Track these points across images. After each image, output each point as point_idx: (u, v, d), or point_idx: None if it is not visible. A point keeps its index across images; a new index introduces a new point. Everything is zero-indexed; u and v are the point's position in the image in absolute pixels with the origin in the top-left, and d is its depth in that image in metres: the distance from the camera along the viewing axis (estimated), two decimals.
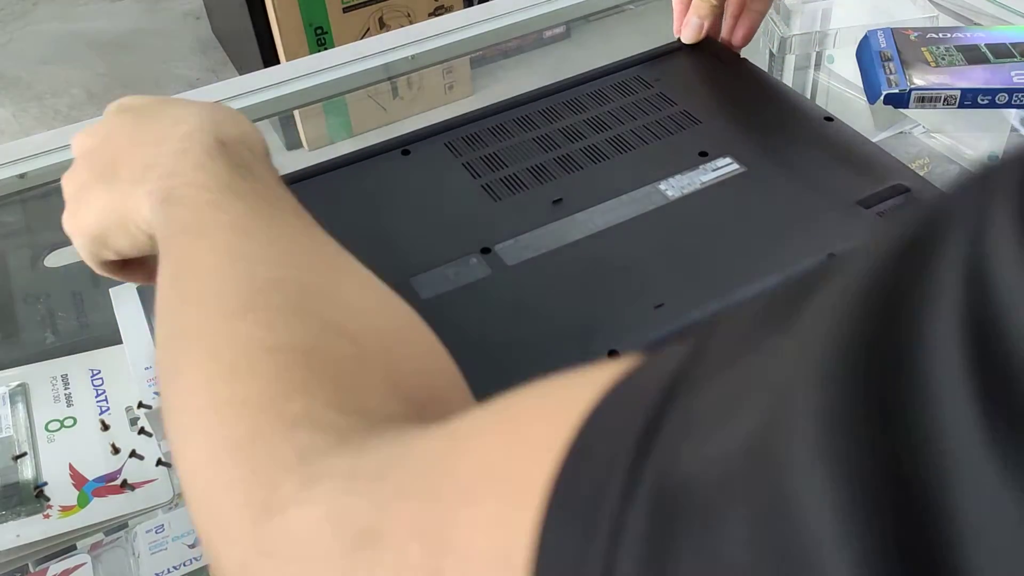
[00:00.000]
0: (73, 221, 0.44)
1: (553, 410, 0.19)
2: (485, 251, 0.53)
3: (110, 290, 0.63)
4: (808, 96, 0.83)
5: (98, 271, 0.47)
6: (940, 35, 0.74)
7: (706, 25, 0.69)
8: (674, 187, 0.57)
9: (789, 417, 0.14)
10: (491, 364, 0.45)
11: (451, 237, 0.55)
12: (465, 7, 1.72)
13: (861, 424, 0.13)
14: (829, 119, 0.62)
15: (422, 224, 0.56)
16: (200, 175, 0.38)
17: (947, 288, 0.13)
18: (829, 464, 0.13)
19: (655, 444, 0.16)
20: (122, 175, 0.42)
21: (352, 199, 0.59)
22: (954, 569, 0.11)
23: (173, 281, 0.36)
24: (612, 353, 0.47)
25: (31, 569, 0.51)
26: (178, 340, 0.33)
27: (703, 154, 0.59)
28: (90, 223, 0.43)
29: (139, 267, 0.47)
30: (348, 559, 0.22)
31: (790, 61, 0.85)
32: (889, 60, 0.72)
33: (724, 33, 0.71)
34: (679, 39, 0.71)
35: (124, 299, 0.62)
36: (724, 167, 0.58)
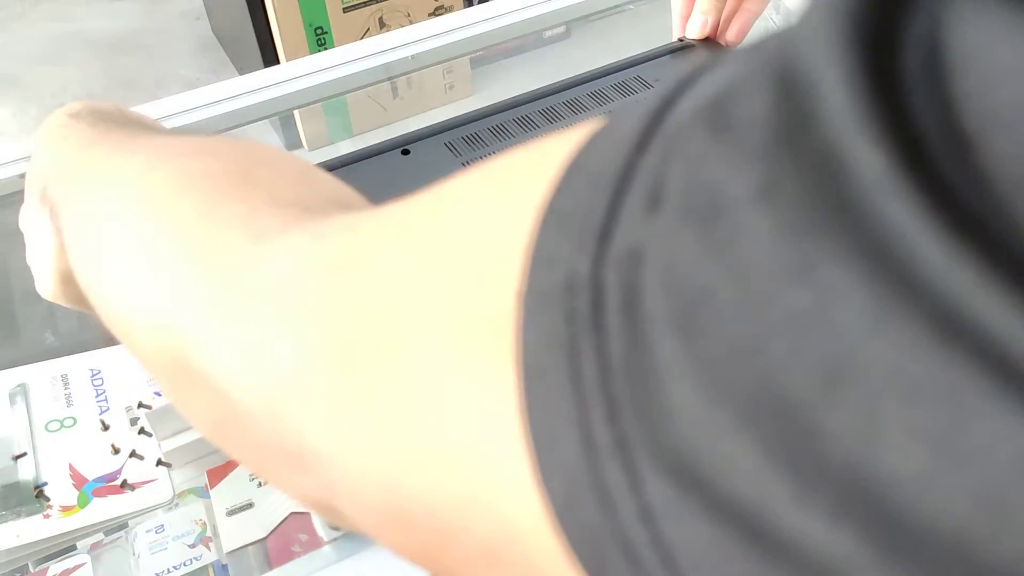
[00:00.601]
0: (42, 288, 0.45)
1: (541, 150, 0.18)
2: None
3: None
4: None
5: (70, 303, 0.47)
6: None
7: (710, 21, 0.70)
8: None
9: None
10: None
11: None
12: (465, 7, 1.72)
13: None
14: None
15: None
16: (62, 146, 0.38)
17: None
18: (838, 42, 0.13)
19: (669, 111, 0.15)
20: (37, 219, 0.42)
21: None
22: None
23: (65, 204, 0.35)
24: None
25: (31, 569, 0.51)
26: (89, 220, 0.33)
27: None
28: (49, 278, 0.43)
29: None
30: (324, 283, 0.21)
31: None
32: None
33: (717, 32, 0.71)
34: (679, 39, 0.71)
35: None
36: None
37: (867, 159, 0.12)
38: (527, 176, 0.18)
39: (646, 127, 0.16)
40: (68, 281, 0.42)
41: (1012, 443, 0.11)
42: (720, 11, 0.70)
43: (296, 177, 0.31)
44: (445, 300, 0.18)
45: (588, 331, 0.15)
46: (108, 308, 0.31)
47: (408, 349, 0.18)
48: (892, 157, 0.12)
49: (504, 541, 0.17)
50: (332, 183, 0.32)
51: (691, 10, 0.71)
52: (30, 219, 0.43)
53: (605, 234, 0.15)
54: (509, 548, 0.17)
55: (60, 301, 0.45)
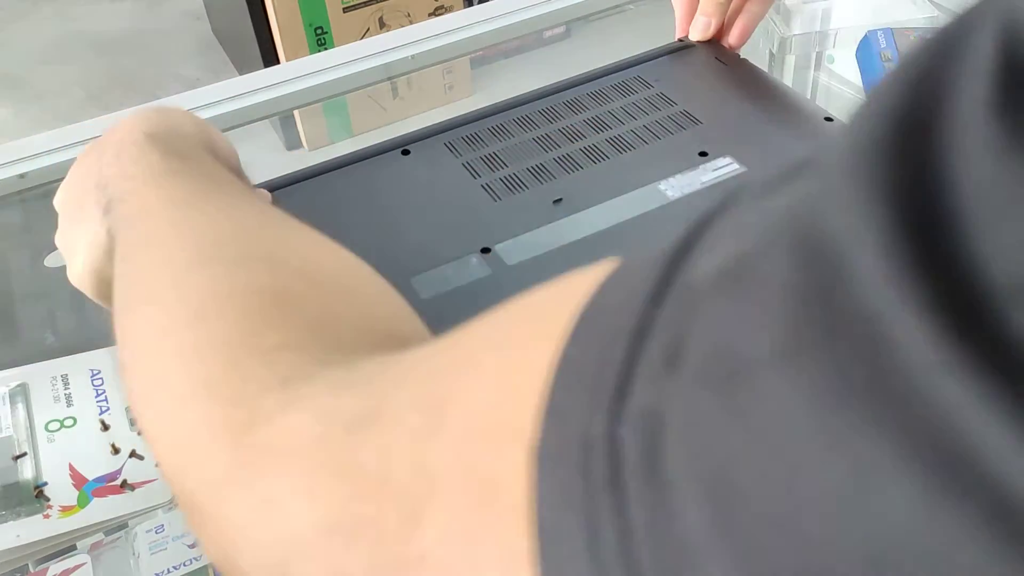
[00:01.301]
0: (73, 275, 0.44)
1: (555, 295, 0.19)
2: (485, 251, 0.54)
3: None
4: (808, 96, 0.83)
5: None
6: None
7: (714, 24, 0.69)
8: (674, 187, 0.57)
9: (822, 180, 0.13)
10: None
11: (451, 237, 0.55)
12: (465, 7, 1.72)
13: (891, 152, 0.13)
14: (829, 119, 0.62)
15: (422, 224, 0.56)
16: (133, 168, 0.38)
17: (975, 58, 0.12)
18: (863, 189, 0.12)
19: (681, 266, 0.15)
20: (85, 207, 0.41)
21: (352, 199, 0.59)
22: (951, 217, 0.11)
23: (123, 262, 0.35)
24: None
25: (31, 569, 0.51)
26: (135, 301, 0.32)
27: (703, 154, 0.59)
28: (85, 267, 0.43)
29: None
30: (340, 444, 0.21)
31: (790, 61, 0.85)
32: (889, 60, 0.72)
33: (720, 34, 0.71)
34: (680, 39, 0.71)
35: None
36: (724, 167, 0.58)
37: (911, 330, 0.11)
38: (541, 325, 0.18)
39: (661, 277, 0.15)
40: (102, 279, 0.43)
41: None
42: (723, 14, 0.69)
43: (338, 300, 0.30)
44: (460, 467, 0.17)
45: (606, 492, 0.14)
46: (132, 395, 0.30)
47: (427, 519, 0.18)
48: (939, 327, 0.11)
49: None
50: (374, 301, 0.32)
51: (693, 10, 0.71)
52: (75, 211, 0.42)
53: (622, 391, 0.15)
54: None
55: (87, 291, 0.45)
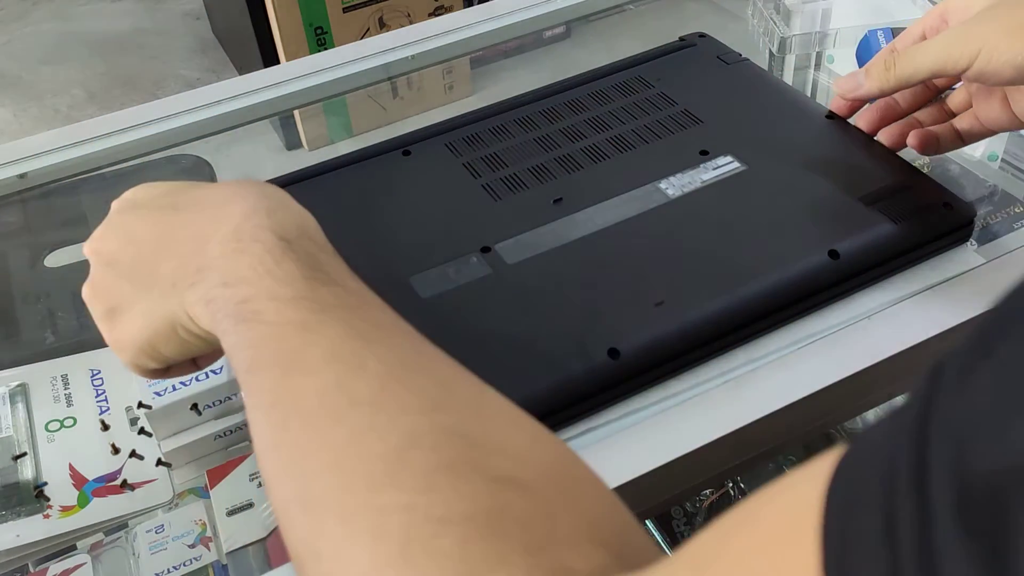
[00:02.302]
0: (115, 335, 0.41)
1: (792, 498, 0.18)
2: (485, 250, 0.53)
3: None
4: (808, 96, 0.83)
5: (142, 375, 0.43)
6: None
7: (862, 93, 0.58)
8: (675, 186, 0.57)
9: None
10: (492, 362, 0.45)
11: (451, 236, 0.55)
12: (465, 7, 1.72)
13: None
14: (831, 116, 0.62)
15: (422, 224, 0.56)
16: (270, 283, 0.33)
17: None
18: None
19: (930, 464, 0.15)
20: (163, 279, 0.38)
21: (353, 199, 0.59)
22: None
23: (278, 429, 0.31)
24: (612, 351, 0.47)
25: (31, 569, 0.51)
26: (316, 515, 0.28)
27: (704, 153, 0.59)
28: (134, 336, 0.39)
29: (187, 365, 0.44)
30: None
31: (790, 61, 0.85)
32: None
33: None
34: (681, 38, 0.71)
35: None
36: (725, 166, 0.58)
37: None
38: (785, 548, 0.18)
39: (917, 488, 0.15)
40: (147, 354, 0.40)
41: None
42: (883, 92, 0.56)
43: (548, 509, 0.27)
44: None
45: None
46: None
47: None
48: None
49: None
50: (581, 494, 0.28)
51: (885, 110, 0.59)
52: (148, 274, 0.38)
53: None
54: None
55: (124, 359, 0.42)
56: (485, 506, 0.26)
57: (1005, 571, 0.14)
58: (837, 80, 0.60)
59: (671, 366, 0.49)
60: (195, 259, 0.36)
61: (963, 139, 0.57)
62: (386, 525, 0.26)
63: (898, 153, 0.59)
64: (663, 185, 0.57)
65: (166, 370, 0.43)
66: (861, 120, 0.60)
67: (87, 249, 0.42)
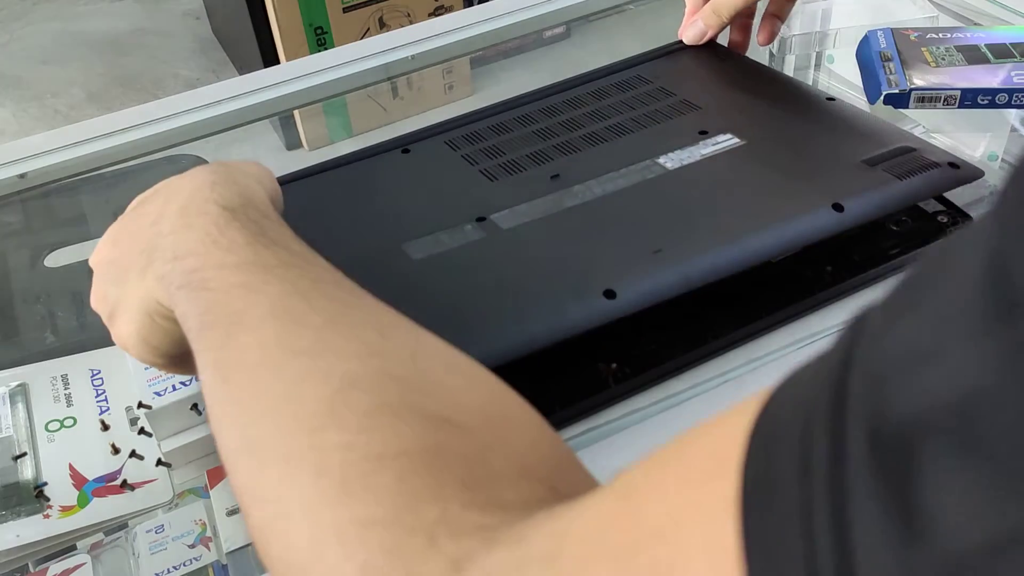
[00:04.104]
0: (118, 337, 0.42)
1: (719, 434, 0.19)
2: (480, 220, 0.53)
3: None
4: None
5: (161, 371, 0.44)
6: (940, 35, 0.73)
7: (709, 34, 0.71)
8: (673, 160, 0.57)
9: None
10: (487, 313, 0.44)
11: (447, 210, 0.54)
12: (465, 7, 1.72)
13: None
14: (832, 99, 0.62)
15: (418, 202, 0.56)
16: (215, 252, 0.35)
17: None
18: None
19: (848, 405, 0.16)
20: (131, 270, 0.39)
21: (352, 191, 0.58)
22: None
23: (223, 383, 0.32)
24: (608, 293, 0.46)
25: (31, 569, 0.51)
26: (257, 459, 0.29)
27: (703, 132, 0.59)
28: (129, 333, 0.40)
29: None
30: None
31: (790, 61, 0.85)
32: (889, 60, 0.72)
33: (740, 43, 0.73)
34: (681, 40, 0.71)
35: None
36: (724, 141, 0.58)
37: None
38: (708, 481, 0.18)
39: (832, 431, 0.16)
40: (149, 345, 0.41)
41: None
42: (720, 27, 0.71)
43: (486, 449, 0.28)
44: None
45: None
46: (275, 564, 0.28)
47: None
48: None
49: None
50: (519, 431, 0.29)
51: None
52: (121, 271, 0.40)
53: (846, 568, 0.15)
54: None
55: (133, 354, 0.42)
56: (422, 444, 0.27)
57: (907, 512, 0.14)
58: (686, 35, 0.71)
59: (669, 352, 0.48)
60: (151, 243, 0.38)
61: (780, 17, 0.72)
62: (326, 463, 0.27)
63: (901, 127, 0.59)
64: (661, 160, 0.57)
65: (181, 362, 0.43)
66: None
67: (91, 261, 0.44)
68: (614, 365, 0.48)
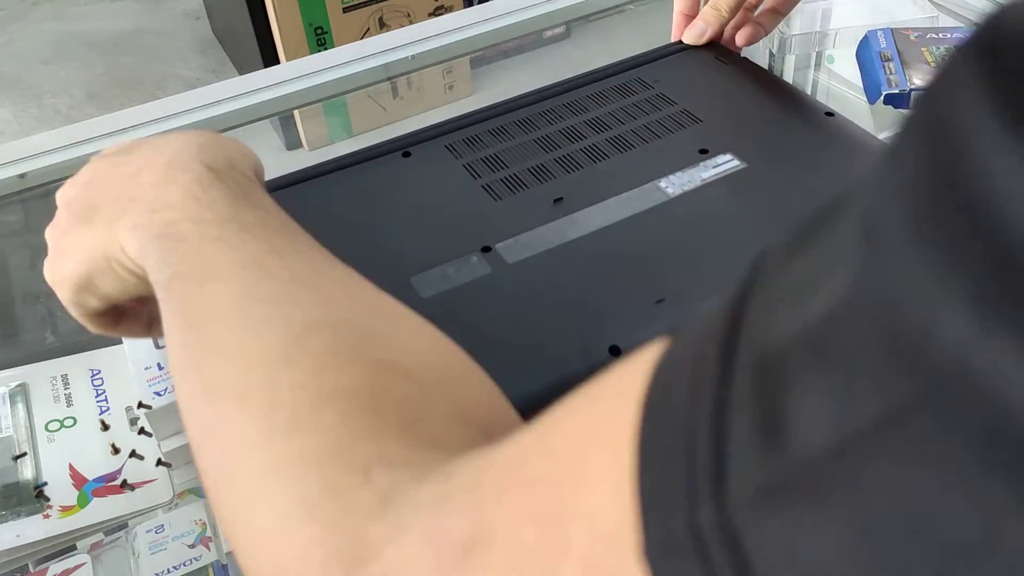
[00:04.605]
0: (54, 270, 0.42)
1: (629, 370, 0.20)
2: (486, 250, 0.54)
3: None
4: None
5: (92, 328, 0.44)
6: (940, 35, 0.74)
7: (709, 33, 0.70)
8: (674, 184, 0.57)
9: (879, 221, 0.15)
10: (493, 360, 0.44)
11: (451, 236, 0.55)
12: (465, 7, 1.72)
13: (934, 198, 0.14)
14: (830, 114, 0.62)
15: (422, 224, 0.56)
16: (195, 207, 0.36)
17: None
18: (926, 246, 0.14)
19: (740, 336, 0.17)
20: (102, 213, 0.39)
21: (353, 200, 0.59)
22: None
23: (187, 329, 0.33)
24: (613, 349, 0.47)
25: (31, 569, 0.51)
26: (212, 398, 0.30)
27: (703, 151, 0.59)
28: (72, 269, 0.41)
29: (134, 318, 0.45)
30: (460, 571, 0.21)
31: (790, 61, 0.85)
32: (889, 60, 0.72)
33: (722, 39, 0.71)
34: (677, 41, 0.71)
35: None
36: (725, 164, 0.58)
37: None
38: (615, 413, 0.19)
39: (722, 356, 0.17)
40: (84, 289, 0.41)
41: None
42: (722, 24, 0.70)
43: (426, 391, 0.30)
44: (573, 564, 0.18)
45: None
46: (220, 500, 0.29)
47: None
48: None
49: None
50: (462, 382, 0.31)
51: (691, 15, 0.71)
52: (87, 209, 0.40)
53: (719, 475, 0.16)
54: None
55: (62, 295, 0.43)
56: (368, 385, 0.29)
57: (774, 424, 0.15)
58: (687, 35, 0.71)
59: None
60: (129, 191, 0.38)
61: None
62: (277, 400, 0.28)
63: None
64: (663, 184, 0.57)
65: (115, 321, 0.44)
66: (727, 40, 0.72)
67: (58, 194, 0.44)
68: None
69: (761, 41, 0.83)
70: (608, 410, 0.20)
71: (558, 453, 0.21)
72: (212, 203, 0.36)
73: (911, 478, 0.13)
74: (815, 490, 0.15)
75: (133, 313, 0.45)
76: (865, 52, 0.74)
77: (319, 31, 1.88)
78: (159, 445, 0.55)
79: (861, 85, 0.74)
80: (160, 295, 0.35)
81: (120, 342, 0.61)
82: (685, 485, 0.16)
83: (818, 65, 0.85)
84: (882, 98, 0.69)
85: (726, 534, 0.15)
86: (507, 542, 0.21)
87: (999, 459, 0.12)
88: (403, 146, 0.62)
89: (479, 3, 0.92)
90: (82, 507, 0.52)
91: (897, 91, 0.69)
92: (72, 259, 0.41)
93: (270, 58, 1.91)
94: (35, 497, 0.53)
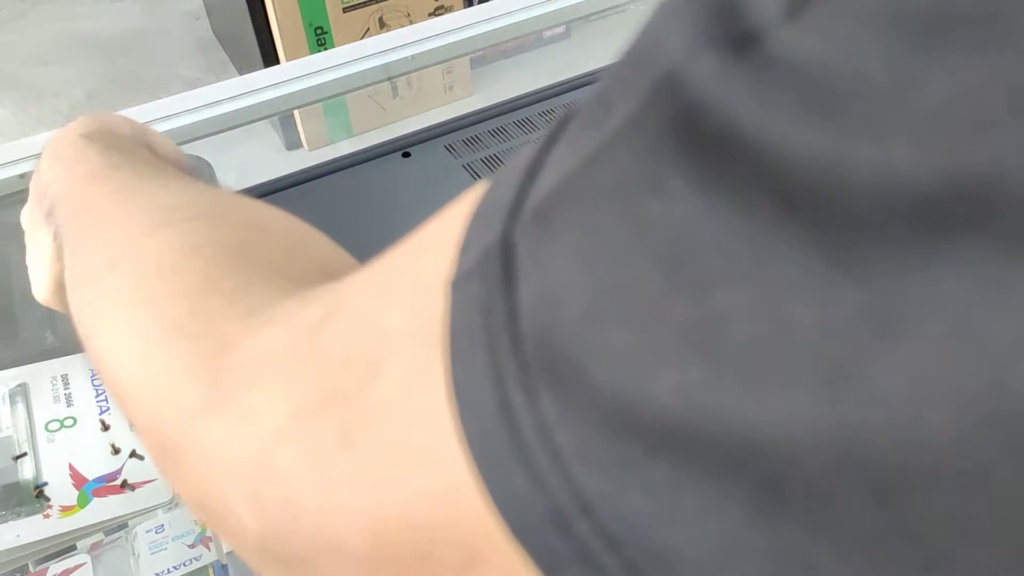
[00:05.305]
0: (35, 290, 0.45)
1: (449, 214, 0.21)
2: None
3: None
4: None
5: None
6: None
7: None
8: None
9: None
10: None
11: None
12: (465, 7, 1.72)
13: None
14: None
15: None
16: (72, 169, 0.39)
17: None
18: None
19: (530, 189, 0.18)
20: (35, 220, 0.42)
21: (352, 201, 0.59)
22: None
23: (71, 255, 0.35)
24: None
25: (31, 569, 0.51)
26: (92, 279, 0.33)
27: None
28: (42, 280, 0.44)
29: None
30: (308, 340, 0.23)
31: None
32: None
33: None
34: None
35: None
36: None
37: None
38: (447, 228, 0.20)
39: (513, 204, 0.18)
40: (63, 289, 0.42)
41: None
42: None
43: (291, 248, 0.32)
44: (413, 321, 0.20)
45: (499, 286, 0.17)
46: (100, 365, 0.31)
47: (384, 373, 0.20)
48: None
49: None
50: (324, 248, 0.33)
51: None
52: (33, 226, 0.43)
53: (515, 209, 0.17)
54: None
55: (54, 306, 0.45)
56: (235, 239, 0.31)
57: (537, 170, 0.17)
58: None
59: None
60: (40, 192, 0.42)
61: None
62: (147, 256, 0.30)
63: None
64: None
65: None
66: None
67: (21, 219, 0.47)
68: None
69: None
70: (434, 248, 0.21)
71: (400, 258, 0.23)
72: (86, 160, 0.39)
73: (632, 203, 0.15)
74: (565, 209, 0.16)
75: None
76: None
77: (319, 31, 1.88)
78: None
79: None
80: (67, 262, 0.37)
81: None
82: (491, 220, 0.18)
83: None
84: None
85: (506, 246, 0.17)
86: (351, 312, 0.22)
87: (711, 172, 0.14)
88: (403, 146, 0.62)
89: (479, 3, 0.92)
90: (82, 507, 0.52)
91: None
92: (39, 274, 0.44)
93: (270, 58, 1.91)
94: (35, 497, 0.53)
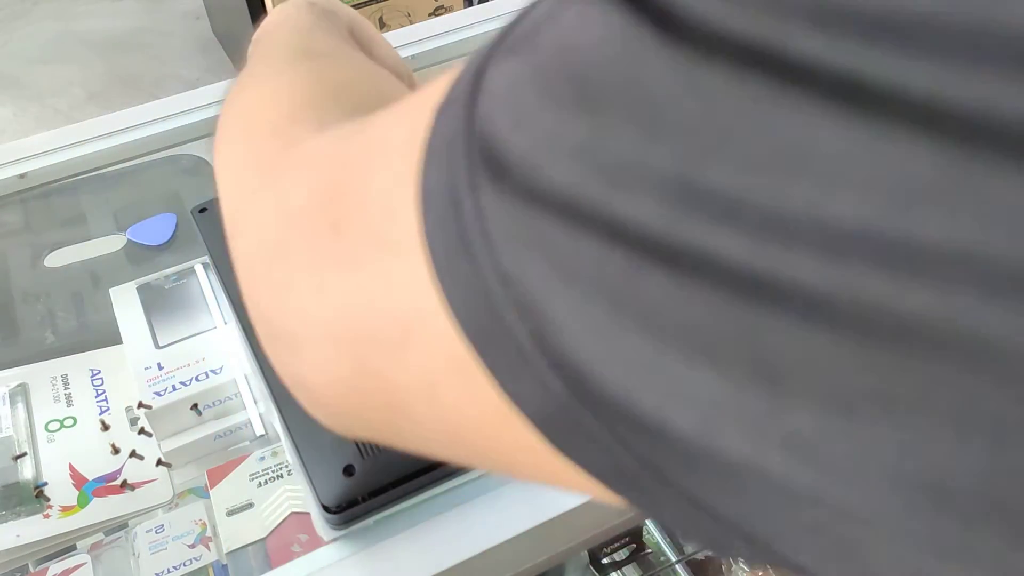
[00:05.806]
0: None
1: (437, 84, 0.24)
2: None
3: (110, 290, 0.63)
4: None
5: None
6: None
7: None
8: None
9: None
10: None
11: None
12: (465, 7, 1.71)
13: None
14: None
15: None
16: (286, 24, 0.45)
17: None
18: None
19: (482, 88, 0.20)
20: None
21: None
22: None
23: (247, 63, 0.42)
24: None
25: (31, 569, 0.51)
26: (249, 74, 0.39)
27: None
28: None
29: None
30: (335, 145, 0.27)
31: None
32: None
33: None
34: None
35: (124, 299, 0.62)
36: None
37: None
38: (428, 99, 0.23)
39: (476, 72, 0.21)
40: None
41: None
42: None
43: (379, 100, 0.36)
44: (403, 142, 0.23)
45: (467, 100, 0.19)
46: (219, 135, 0.36)
47: (376, 176, 0.23)
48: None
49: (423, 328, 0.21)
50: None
51: None
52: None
53: (497, 44, 0.20)
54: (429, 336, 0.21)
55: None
56: (350, 83, 0.37)
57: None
58: None
59: None
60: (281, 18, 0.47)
61: None
62: (281, 78, 0.37)
63: None
64: None
65: None
66: None
67: None
68: None
69: None
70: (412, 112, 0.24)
71: (419, 92, 0.25)
72: (298, 19, 0.44)
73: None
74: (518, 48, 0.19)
75: None
76: None
77: None
78: (159, 445, 0.55)
79: None
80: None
81: (120, 342, 0.61)
82: (477, 55, 0.21)
83: None
84: None
85: (479, 72, 0.20)
86: (374, 126, 0.25)
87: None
88: None
89: (479, 3, 0.92)
90: (82, 507, 0.52)
91: None
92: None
93: None
94: (35, 497, 0.53)
